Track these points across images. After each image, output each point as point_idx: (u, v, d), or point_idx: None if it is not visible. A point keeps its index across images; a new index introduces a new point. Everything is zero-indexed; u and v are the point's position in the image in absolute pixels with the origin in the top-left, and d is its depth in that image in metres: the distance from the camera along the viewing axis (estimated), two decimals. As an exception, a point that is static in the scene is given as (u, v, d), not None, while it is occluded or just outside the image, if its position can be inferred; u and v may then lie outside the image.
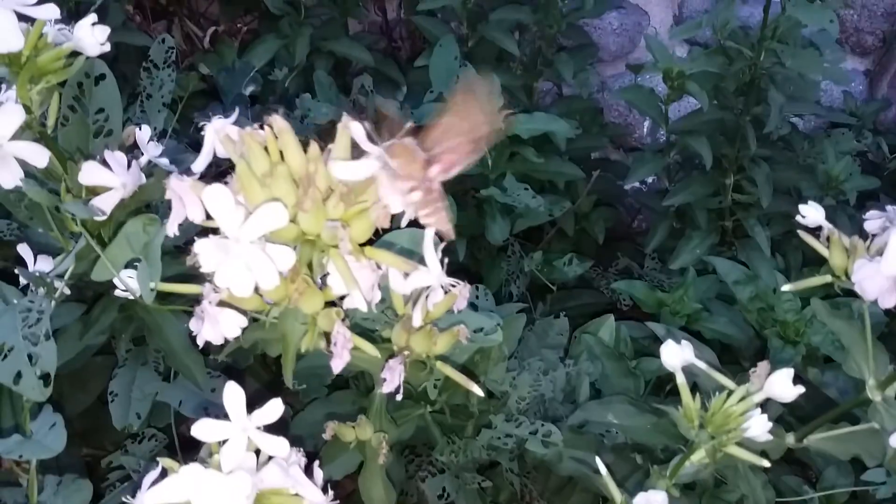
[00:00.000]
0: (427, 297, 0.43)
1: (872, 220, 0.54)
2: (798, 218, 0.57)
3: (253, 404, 0.84)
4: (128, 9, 1.24)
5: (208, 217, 0.38)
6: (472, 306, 0.82)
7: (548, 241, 1.26)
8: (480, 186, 1.12)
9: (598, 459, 0.60)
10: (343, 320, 0.40)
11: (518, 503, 0.85)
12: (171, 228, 0.39)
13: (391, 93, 1.22)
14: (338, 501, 0.42)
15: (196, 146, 1.27)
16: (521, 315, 0.76)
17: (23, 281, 0.59)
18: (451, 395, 0.73)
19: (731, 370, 1.06)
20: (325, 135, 1.24)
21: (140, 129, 0.60)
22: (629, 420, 0.75)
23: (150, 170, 0.62)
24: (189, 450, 0.92)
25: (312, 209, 0.37)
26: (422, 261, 0.43)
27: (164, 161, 0.59)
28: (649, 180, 1.45)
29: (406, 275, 0.42)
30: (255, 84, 1.14)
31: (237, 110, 0.40)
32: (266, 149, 0.39)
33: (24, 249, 0.58)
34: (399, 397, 0.47)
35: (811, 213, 0.56)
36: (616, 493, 0.58)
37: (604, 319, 0.97)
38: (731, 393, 0.52)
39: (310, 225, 0.38)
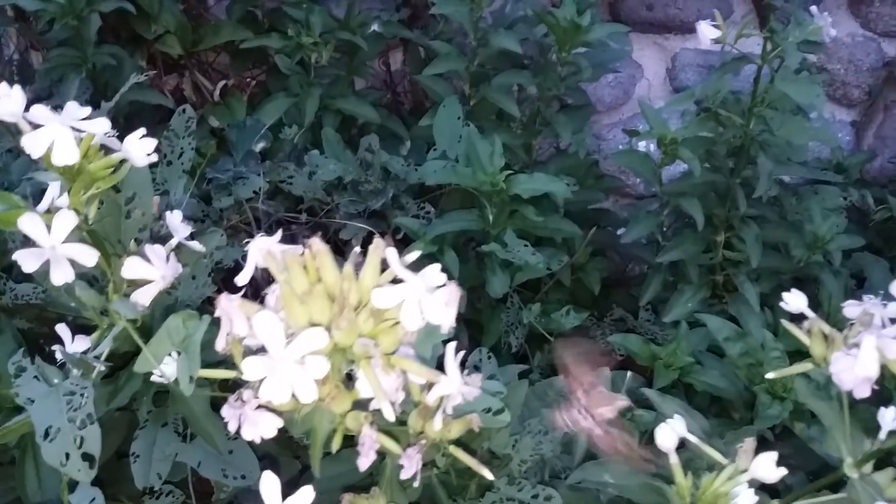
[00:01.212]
0: (447, 401, 0.48)
1: (851, 308, 0.58)
2: (782, 304, 0.61)
3: (264, 460, 0.87)
4: (141, 64, 1.29)
5: (252, 332, 0.42)
6: (476, 368, 0.87)
7: (545, 292, 1.31)
8: (482, 242, 1.16)
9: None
10: (371, 424, 0.44)
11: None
12: (220, 344, 0.43)
13: (395, 148, 1.27)
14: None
15: (206, 199, 1.30)
16: (524, 382, 0.81)
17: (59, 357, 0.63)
18: (456, 458, 0.77)
19: (721, 422, 1.11)
20: (332, 190, 1.27)
21: (172, 211, 0.64)
22: (624, 480, 0.79)
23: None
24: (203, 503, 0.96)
25: (348, 327, 0.42)
26: (441, 366, 0.47)
27: (195, 244, 0.63)
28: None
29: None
30: (265, 141, 1.19)
31: (280, 232, 0.45)
32: (305, 267, 0.43)
33: (62, 329, 0.62)
34: (416, 484, 0.51)
35: (794, 300, 0.60)
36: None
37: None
38: (720, 471, 0.57)
39: (344, 340, 0.42)
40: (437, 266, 0.43)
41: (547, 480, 0.87)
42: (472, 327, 1.25)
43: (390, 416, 0.42)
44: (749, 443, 0.59)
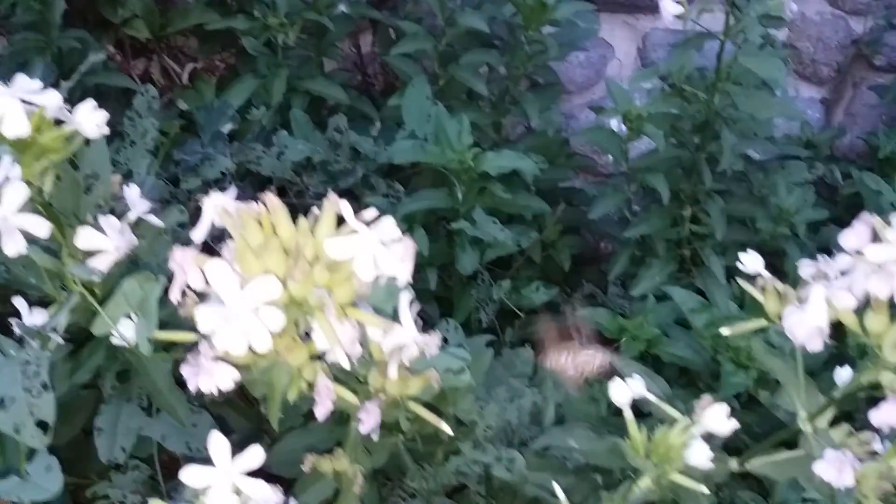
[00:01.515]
0: (402, 352, 0.48)
1: (806, 268, 0.60)
2: (738, 265, 0.63)
3: (232, 436, 0.88)
4: (108, 48, 1.28)
5: (207, 283, 0.42)
6: (443, 339, 0.88)
7: (516, 269, 1.32)
8: (451, 219, 1.17)
9: (554, 484, 0.65)
10: (327, 373, 0.45)
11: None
12: (174, 295, 0.43)
13: (365, 129, 1.27)
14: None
15: (174, 181, 1.30)
16: (489, 349, 0.82)
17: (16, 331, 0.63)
18: (422, 424, 0.78)
19: (688, 392, 1.13)
20: (301, 170, 1.27)
21: (129, 185, 0.64)
22: (589, 444, 0.80)
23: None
24: (170, 479, 0.97)
25: (302, 278, 0.42)
26: (397, 317, 0.48)
27: (153, 217, 0.63)
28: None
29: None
30: (232, 122, 1.19)
31: (234, 188, 0.45)
32: (260, 223, 0.44)
33: (19, 302, 0.62)
34: (375, 437, 0.51)
35: (750, 261, 0.62)
36: (571, 514, 0.63)
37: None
38: (673, 425, 0.58)
39: (299, 292, 0.43)
40: (390, 220, 0.44)
41: (515, 447, 0.88)
42: (444, 304, 1.26)
43: (345, 363, 0.43)
44: (706, 399, 0.61)
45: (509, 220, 1.23)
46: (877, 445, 0.63)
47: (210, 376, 0.45)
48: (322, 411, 0.45)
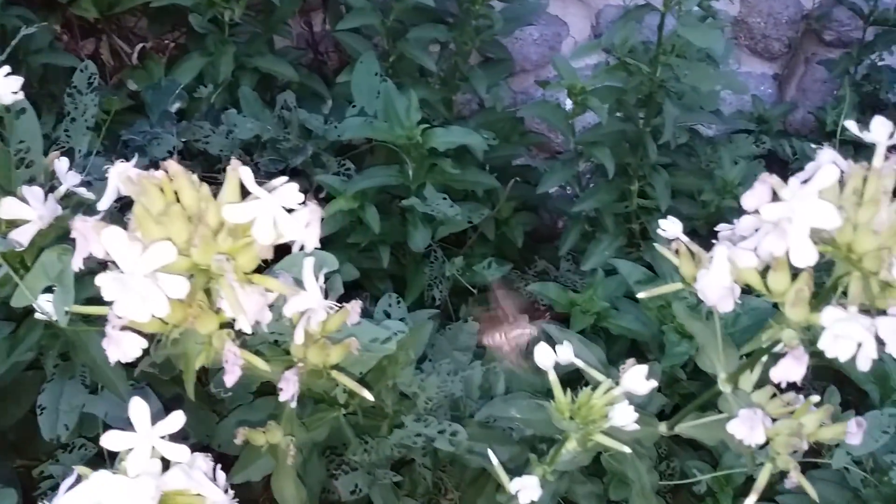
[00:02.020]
0: (309, 317, 0.49)
1: (722, 231, 0.61)
2: (659, 231, 0.63)
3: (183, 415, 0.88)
4: (55, 28, 1.27)
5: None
6: (386, 314, 0.88)
7: (470, 246, 1.33)
8: (403, 196, 1.17)
9: (489, 451, 0.66)
10: (234, 340, 0.45)
11: (433, 496, 0.91)
12: (76, 263, 0.43)
13: (317, 107, 1.27)
14: (237, 500, 0.48)
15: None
16: (429, 322, 0.82)
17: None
18: (363, 398, 0.78)
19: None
20: (251, 149, 1.27)
21: (59, 160, 0.64)
22: (530, 414, 0.81)
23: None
24: (117, 457, 0.97)
25: (202, 244, 0.42)
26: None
27: (83, 190, 0.63)
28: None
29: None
30: (181, 101, 1.18)
31: (136, 157, 0.45)
32: (162, 189, 0.44)
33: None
34: (293, 404, 0.52)
35: (669, 226, 0.63)
36: (505, 479, 0.64)
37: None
38: (596, 387, 0.59)
39: (200, 257, 0.43)
40: (293, 185, 0.44)
41: (461, 419, 0.89)
42: (398, 283, 1.27)
43: (247, 328, 0.43)
44: (630, 362, 0.62)
45: (462, 197, 1.24)
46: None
47: (118, 346, 0.45)
48: (231, 378, 0.46)
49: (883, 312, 0.46)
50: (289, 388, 0.52)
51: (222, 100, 1.23)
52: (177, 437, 0.84)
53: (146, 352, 0.53)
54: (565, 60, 1.09)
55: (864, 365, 0.45)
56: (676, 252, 0.58)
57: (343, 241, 1.20)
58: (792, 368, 0.48)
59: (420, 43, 1.20)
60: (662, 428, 0.69)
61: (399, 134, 1.10)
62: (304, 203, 0.45)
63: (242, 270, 0.44)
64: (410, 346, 0.76)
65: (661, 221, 0.63)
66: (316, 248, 0.48)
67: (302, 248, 0.46)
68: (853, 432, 0.57)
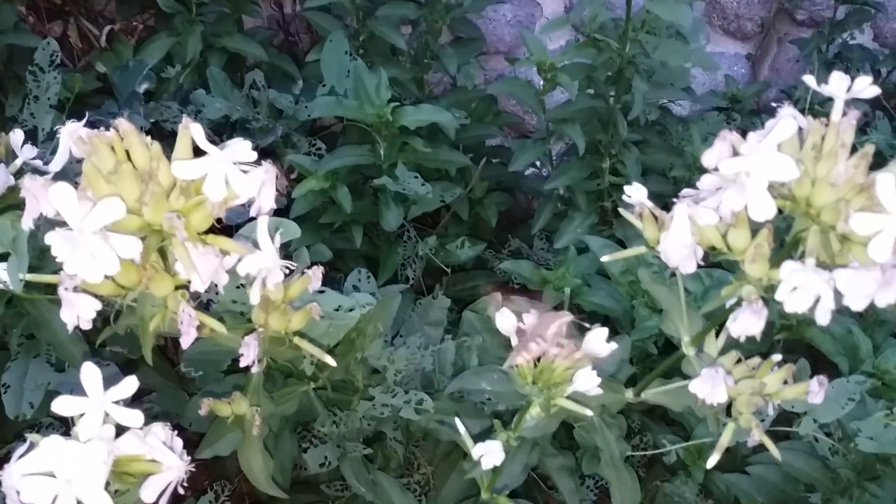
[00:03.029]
0: (265, 277, 0.48)
1: (686, 196, 0.61)
2: (624, 197, 0.63)
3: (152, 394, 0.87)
4: (20, 10, 1.25)
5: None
6: (355, 288, 0.88)
7: (444, 226, 1.32)
8: (375, 176, 1.17)
9: (456, 420, 0.66)
10: (189, 302, 0.45)
11: (406, 471, 0.91)
12: (26, 223, 0.43)
13: (287, 87, 1.26)
14: (193, 464, 0.47)
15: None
16: (397, 295, 0.82)
17: None
18: (332, 372, 0.78)
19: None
20: (221, 129, 1.26)
21: (13, 132, 0.63)
22: (500, 387, 0.81)
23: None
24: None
25: (153, 202, 0.42)
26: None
27: (38, 163, 0.62)
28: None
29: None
30: (148, 81, 1.17)
31: (87, 115, 0.44)
32: (113, 148, 0.43)
33: None
34: (255, 369, 0.52)
35: (635, 192, 0.63)
36: (471, 446, 0.64)
37: (490, 298, 1.03)
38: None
39: (152, 216, 0.42)
40: (246, 143, 0.44)
41: (433, 394, 0.89)
42: (372, 263, 1.26)
43: (199, 286, 0.42)
44: (596, 329, 0.62)
45: (436, 177, 1.24)
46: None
47: (71, 308, 0.45)
48: (186, 340, 0.45)
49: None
50: (249, 353, 0.52)
51: (191, 80, 1.22)
52: (148, 418, 0.84)
53: (106, 322, 0.53)
54: (535, 37, 1.09)
55: (822, 318, 0.45)
56: (640, 216, 0.58)
57: (315, 221, 1.19)
58: (750, 322, 0.48)
59: (390, 21, 1.19)
60: (629, 394, 0.70)
61: (369, 112, 1.10)
62: (258, 163, 0.45)
63: (196, 230, 0.43)
64: (378, 318, 0.76)
65: (626, 187, 0.63)
66: (281, 218, 0.48)
67: (259, 212, 0.46)
68: (815, 391, 0.58)
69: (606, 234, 1.20)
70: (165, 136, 1.21)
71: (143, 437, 0.45)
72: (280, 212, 1.21)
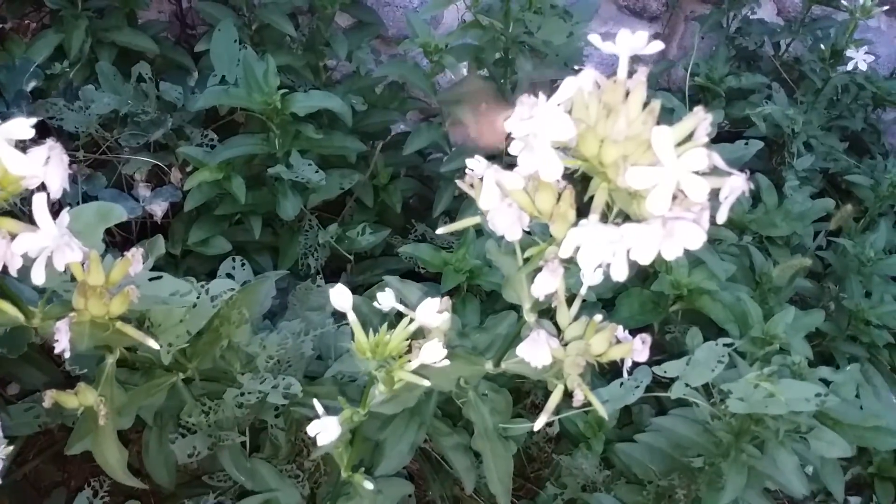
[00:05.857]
0: (51, 256, 0.47)
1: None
2: (467, 170, 0.64)
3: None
4: None
5: None
6: (230, 276, 0.87)
7: (349, 215, 1.32)
8: (270, 165, 1.16)
9: (314, 401, 0.66)
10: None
11: (294, 459, 0.91)
12: None
13: (182, 79, 1.24)
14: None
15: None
16: (265, 280, 0.81)
17: None
18: (200, 361, 0.77)
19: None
20: (112, 124, 1.23)
21: None
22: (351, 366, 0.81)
23: None
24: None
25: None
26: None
27: None
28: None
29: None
30: (36, 79, 1.15)
31: None
32: None
33: None
34: (67, 354, 0.51)
35: (476, 165, 0.63)
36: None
37: (384, 284, 1.03)
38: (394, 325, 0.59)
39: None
40: (23, 119, 0.43)
41: (318, 377, 0.89)
42: (274, 253, 1.26)
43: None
44: (427, 300, 0.61)
45: (337, 165, 1.23)
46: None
47: None
48: (61, 346, 0.44)
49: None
50: (63, 339, 0.51)
51: (82, 76, 1.21)
52: (33, 418, 0.82)
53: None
54: (419, 18, 1.09)
55: (618, 274, 0.46)
56: (472, 186, 0.58)
57: (211, 213, 1.18)
58: (548, 281, 0.48)
59: (279, 9, 1.18)
60: (489, 366, 0.70)
61: (258, 100, 1.09)
62: (43, 140, 0.44)
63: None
64: (243, 304, 0.76)
65: (468, 161, 0.63)
66: (106, 201, 0.47)
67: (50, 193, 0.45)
68: (638, 349, 0.59)
69: (506, 215, 1.20)
70: (60, 136, 1.20)
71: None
72: (175, 205, 1.20)
